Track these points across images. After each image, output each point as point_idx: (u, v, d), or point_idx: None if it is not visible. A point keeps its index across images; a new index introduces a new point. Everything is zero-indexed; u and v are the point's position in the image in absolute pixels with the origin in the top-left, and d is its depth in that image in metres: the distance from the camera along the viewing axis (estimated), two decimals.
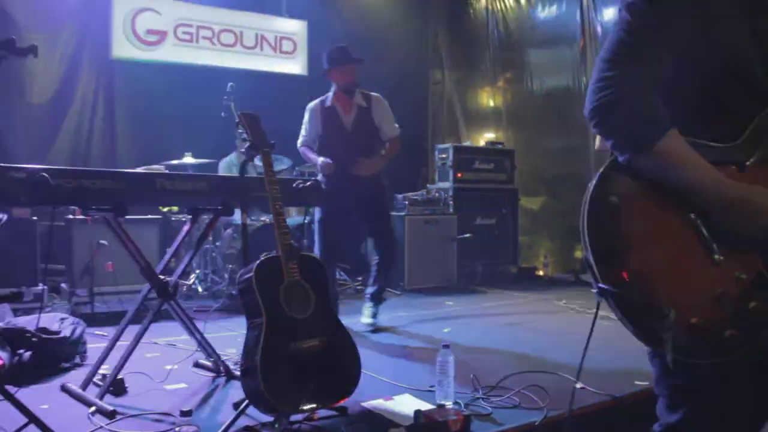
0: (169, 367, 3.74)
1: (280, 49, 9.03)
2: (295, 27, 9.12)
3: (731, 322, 1.48)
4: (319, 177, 5.03)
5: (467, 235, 7.26)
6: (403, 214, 6.99)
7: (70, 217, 5.42)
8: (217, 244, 6.44)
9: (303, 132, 5.33)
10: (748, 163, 1.54)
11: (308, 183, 3.71)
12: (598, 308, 1.56)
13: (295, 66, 9.11)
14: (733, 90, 1.57)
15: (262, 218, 6.31)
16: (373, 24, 9.23)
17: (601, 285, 1.48)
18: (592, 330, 1.68)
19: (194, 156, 6.60)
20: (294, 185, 3.67)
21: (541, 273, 8.26)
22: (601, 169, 1.57)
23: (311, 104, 5.31)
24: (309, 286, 2.84)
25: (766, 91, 1.58)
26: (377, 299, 5.18)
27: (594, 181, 1.56)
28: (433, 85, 10.11)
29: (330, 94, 5.25)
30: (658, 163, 1.50)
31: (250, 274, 2.75)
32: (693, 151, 1.50)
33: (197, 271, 6.47)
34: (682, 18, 1.53)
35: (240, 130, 3.05)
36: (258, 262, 2.78)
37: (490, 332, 5.00)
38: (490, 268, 7.82)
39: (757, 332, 1.50)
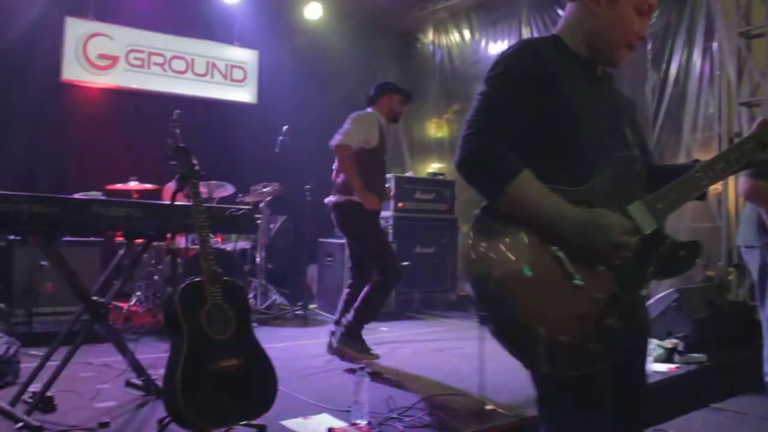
0: (100, 386, 3.86)
1: (231, 77, 9.25)
2: (246, 56, 9.36)
3: (594, 337, 1.72)
4: (356, 196, 4.84)
5: (405, 263, 7.49)
6: (342, 241, 7.19)
7: (11, 237, 5.50)
8: (159, 267, 6.56)
9: (350, 132, 4.90)
10: (594, 201, 1.79)
11: (241, 212, 3.90)
12: (481, 335, 1.81)
13: (245, 94, 9.34)
14: (583, 145, 1.85)
15: None
16: (323, 55, 9.52)
17: (481, 313, 1.71)
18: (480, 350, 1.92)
19: (140, 181, 6.74)
20: (227, 213, 3.87)
21: None
22: (475, 213, 1.81)
23: (372, 110, 5.16)
24: (230, 308, 3.02)
25: (609, 143, 1.89)
26: None
27: (470, 225, 1.80)
28: None
29: (379, 115, 5.16)
30: (514, 202, 1.74)
31: (175, 297, 2.93)
32: (545, 188, 1.75)
33: (138, 293, 6.58)
34: (529, 88, 1.83)
35: (172, 162, 3.23)
36: (182, 285, 2.97)
37: (418, 357, 5.21)
38: (428, 296, 8.05)
39: (617, 344, 1.76)
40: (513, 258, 1.73)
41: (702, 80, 6.81)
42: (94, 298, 3.60)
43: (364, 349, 4.76)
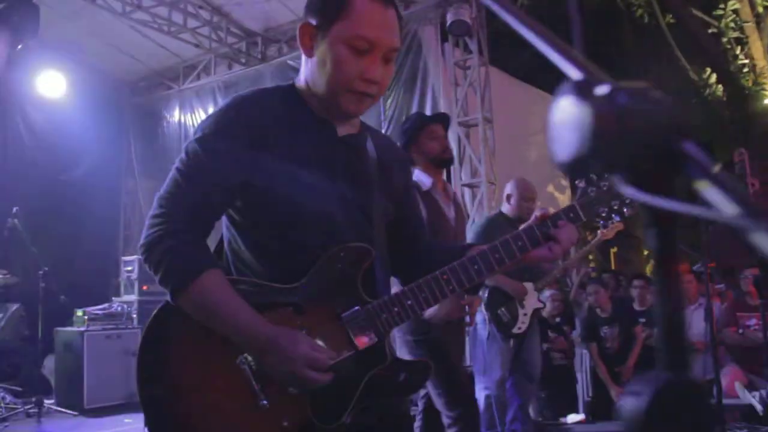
0: None
1: None
2: None
3: None
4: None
5: None
6: (82, 329, 6.75)
7: None
8: None
9: None
10: (305, 304, 1.52)
11: None
12: None
13: None
14: (304, 228, 1.55)
15: None
16: (62, 130, 8.94)
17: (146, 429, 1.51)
18: None
19: None
20: None
21: None
22: (157, 309, 1.55)
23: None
24: None
25: (340, 225, 1.57)
26: None
27: (148, 321, 1.55)
28: (125, 195, 10.07)
29: (419, 173, 3.46)
30: (193, 305, 1.47)
31: None
32: (231, 293, 1.47)
33: None
34: (230, 156, 1.52)
35: None
36: None
37: None
38: None
39: None
40: (193, 366, 1.50)
41: None
42: None
43: None
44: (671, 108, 0.48)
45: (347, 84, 1.53)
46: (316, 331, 1.49)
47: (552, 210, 1.68)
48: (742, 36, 13.48)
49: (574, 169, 0.49)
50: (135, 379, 1.52)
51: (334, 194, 1.57)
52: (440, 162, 3.52)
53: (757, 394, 5.44)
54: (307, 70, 1.62)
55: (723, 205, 0.43)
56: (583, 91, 0.49)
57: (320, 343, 1.49)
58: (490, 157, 7.07)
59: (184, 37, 8.18)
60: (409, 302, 1.54)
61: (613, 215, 1.70)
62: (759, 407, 5.33)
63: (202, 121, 1.59)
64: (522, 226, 1.66)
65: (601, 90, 0.49)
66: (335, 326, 1.51)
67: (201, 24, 8.14)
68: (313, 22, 1.56)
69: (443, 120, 3.63)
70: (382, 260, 1.63)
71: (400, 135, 3.65)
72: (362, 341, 1.51)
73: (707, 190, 0.44)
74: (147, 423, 1.51)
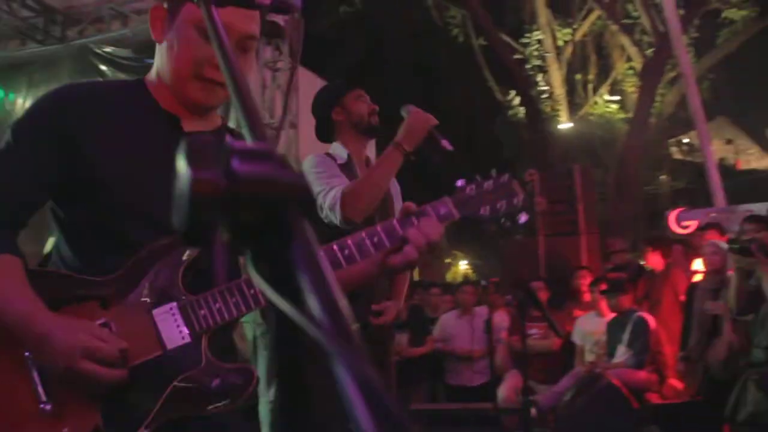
0: None
1: None
2: None
3: None
4: None
5: None
6: None
7: None
8: None
9: (325, 180, 2.70)
10: (113, 298, 1.41)
11: None
12: None
13: None
14: (127, 223, 1.46)
15: None
16: None
17: None
18: None
19: None
20: None
21: None
22: None
23: (313, 156, 2.98)
24: None
25: (165, 224, 1.35)
26: None
27: None
28: None
29: (338, 146, 2.99)
30: None
31: None
32: (14, 281, 1.37)
33: None
34: (49, 151, 1.45)
35: None
36: None
37: None
38: None
39: None
40: None
41: None
42: None
43: None
44: (288, 176, 0.45)
45: (194, 69, 1.47)
46: (122, 328, 1.36)
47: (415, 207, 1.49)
48: (543, 65, 14.58)
49: (187, 236, 0.44)
50: None
51: (164, 187, 1.41)
52: (367, 128, 3.00)
53: (533, 398, 5.82)
54: (157, 59, 1.55)
55: (312, 305, 0.39)
56: (193, 152, 0.44)
57: (125, 342, 1.33)
58: (295, 163, 7.01)
59: None
60: (234, 299, 1.37)
61: (501, 218, 1.49)
62: (533, 411, 5.70)
63: (30, 105, 1.56)
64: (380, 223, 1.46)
65: (217, 153, 0.44)
66: (144, 323, 1.37)
67: None
68: (165, 4, 1.51)
69: (363, 88, 3.13)
70: (222, 259, 1.48)
71: (319, 99, 3.18)
72: (172, 340, 1.35)
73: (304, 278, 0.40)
74: None
